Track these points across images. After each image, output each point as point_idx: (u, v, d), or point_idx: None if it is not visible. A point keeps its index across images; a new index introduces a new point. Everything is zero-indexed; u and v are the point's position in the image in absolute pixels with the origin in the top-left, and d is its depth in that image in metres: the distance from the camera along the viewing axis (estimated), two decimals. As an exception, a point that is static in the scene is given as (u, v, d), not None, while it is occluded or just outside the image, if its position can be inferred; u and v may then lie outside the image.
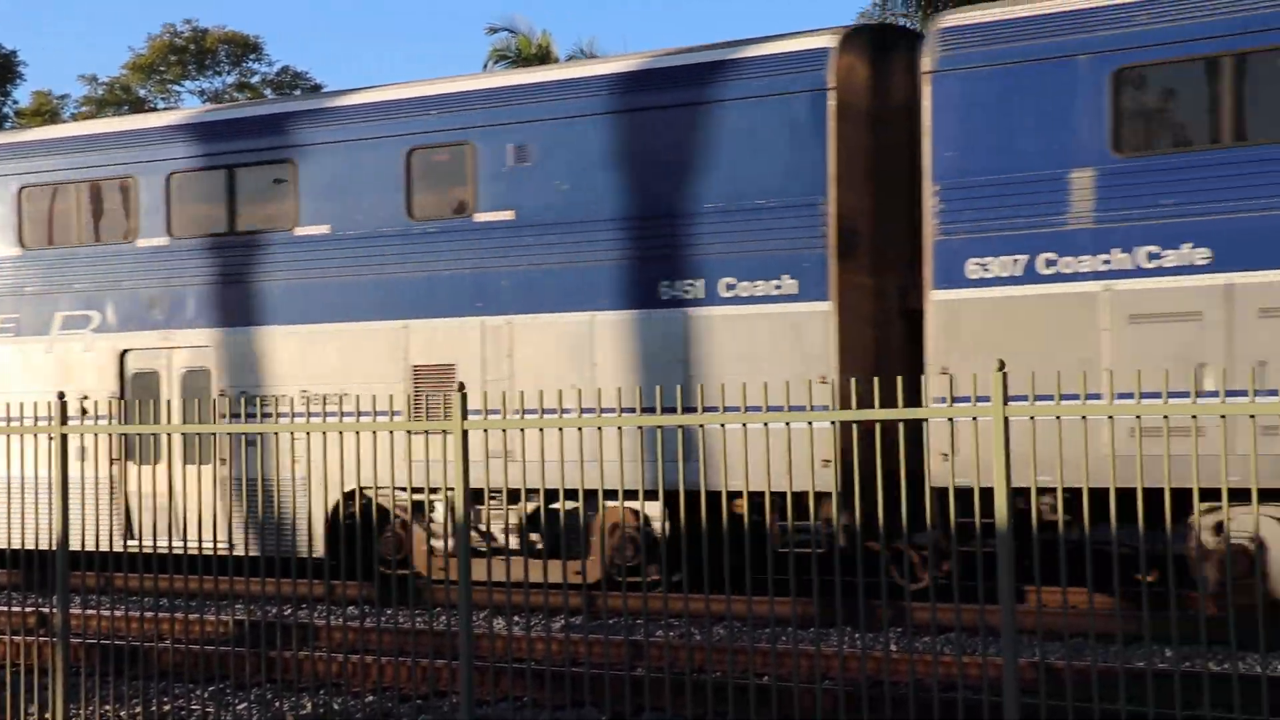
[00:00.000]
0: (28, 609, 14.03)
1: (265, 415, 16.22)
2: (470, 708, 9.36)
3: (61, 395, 10.90)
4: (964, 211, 14.16)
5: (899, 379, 8.61)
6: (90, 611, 13.79)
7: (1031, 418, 8.00)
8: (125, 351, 18.44)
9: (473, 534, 11.32)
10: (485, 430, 9.60)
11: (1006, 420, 7.87)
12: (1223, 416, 7.71)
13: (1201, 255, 13.29)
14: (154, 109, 50.04)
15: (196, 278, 18.01)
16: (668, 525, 15.01)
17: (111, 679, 11.37)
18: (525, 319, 16.13)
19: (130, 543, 13.90)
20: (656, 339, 15.48)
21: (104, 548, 11.70)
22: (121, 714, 11.18)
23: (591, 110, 15.94)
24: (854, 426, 9.50)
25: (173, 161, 18.28)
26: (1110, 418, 7.83)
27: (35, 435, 10.98)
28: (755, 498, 12.98)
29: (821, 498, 13.32)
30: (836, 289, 14.75)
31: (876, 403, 8.32)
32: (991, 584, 12.92)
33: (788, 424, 8.45)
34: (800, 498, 12.37)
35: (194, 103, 52.72)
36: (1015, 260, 13.97)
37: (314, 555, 14.58)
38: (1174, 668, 8.22)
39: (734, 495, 12.82)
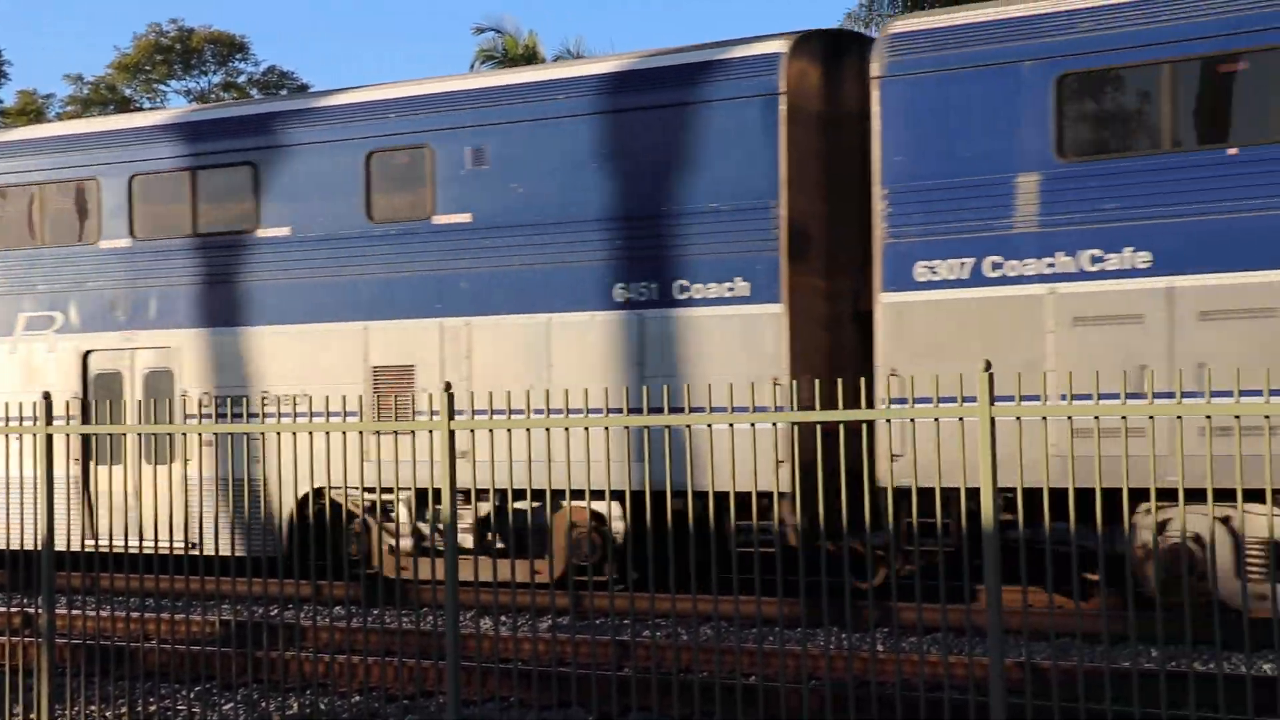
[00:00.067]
0: (13, 609, 14.14)
1: (235, 416, 16.31)
2: (457, 708, 9.40)
3: (47, 395, 10.97)
4: (912, 215, 14.30)
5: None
6: (76, 612, 13.81)
7: (1018, 418, 8.08)
8: (88, 352, 18.55)
9: (429, 532, 11.45)
10: (472, 430, 9.64)
11: (993, 420, 8.00)
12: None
13: (1143, 259, 13.43)
14: (140, 109, 50.07)
15: (159, 279, 18.11)
16: (634, 525, 15.13)
17: (97, 679, 11.36)
18: (483, 320, 16.25)
19: (88, 543, 14.02)
20: (612, 341, 15.61)
21: (73, 547, 11.74)
22: (107, 714, 11.20)
23: (547, 114, 16.06)
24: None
25: (135, 164, 18.38)
26: (1096, 418, 7.89)
27: (21, 436, 10.94)
28: (741, 497, 13.07)
29: (783, 498, 13.48)
30: (788, 291, 14.88)
31: (863, 404, 8.56)
32: (957, 583, 13.10)
33: (775, 424, 8.60)
34: (765, 496, 12.50)
35: (180, 102, 52.76)
36: (962, 263, 14.11)
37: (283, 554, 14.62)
38: (1159, 667, 8.28)
39: (721, 495, 12.94)
